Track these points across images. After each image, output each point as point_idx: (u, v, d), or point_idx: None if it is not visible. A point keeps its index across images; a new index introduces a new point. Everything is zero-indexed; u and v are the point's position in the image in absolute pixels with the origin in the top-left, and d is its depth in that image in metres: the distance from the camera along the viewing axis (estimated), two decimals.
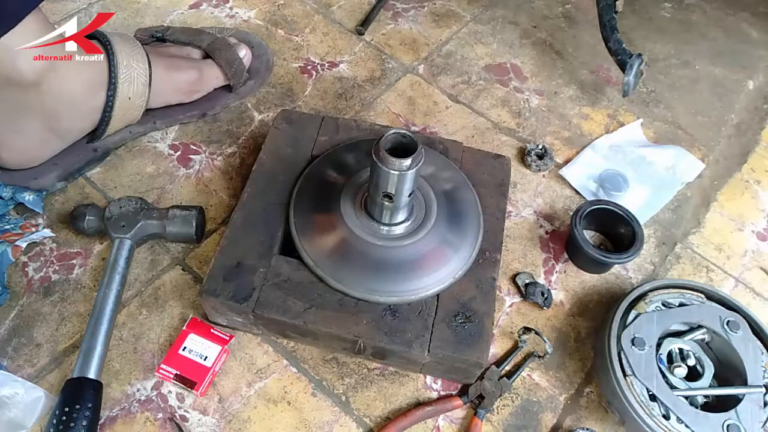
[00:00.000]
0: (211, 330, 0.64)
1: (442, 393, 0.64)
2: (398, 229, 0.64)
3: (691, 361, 0.61)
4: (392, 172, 0.55)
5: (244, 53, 0.85)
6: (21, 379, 0.60)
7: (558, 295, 0.72)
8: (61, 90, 0.68)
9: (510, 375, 0.65)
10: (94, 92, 0.71)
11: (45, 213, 0.73)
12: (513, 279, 0.72)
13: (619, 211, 0.73)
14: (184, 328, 0.64)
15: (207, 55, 0.84)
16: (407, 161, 0.55)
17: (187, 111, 0.83)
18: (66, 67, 0.67)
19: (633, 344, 0.60)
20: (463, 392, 0.64)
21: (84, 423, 0.56)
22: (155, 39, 0.84)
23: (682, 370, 0.60)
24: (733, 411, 0.57)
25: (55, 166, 0.74)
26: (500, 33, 1.02)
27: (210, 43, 0.84)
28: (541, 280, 0.73)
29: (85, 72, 0.70)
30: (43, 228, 0.71)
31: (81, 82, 0.70)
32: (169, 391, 0.62)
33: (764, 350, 0.62)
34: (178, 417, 0.61)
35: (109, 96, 0.72)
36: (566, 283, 0.73)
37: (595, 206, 0.73)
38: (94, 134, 0.75)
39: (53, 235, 0.71)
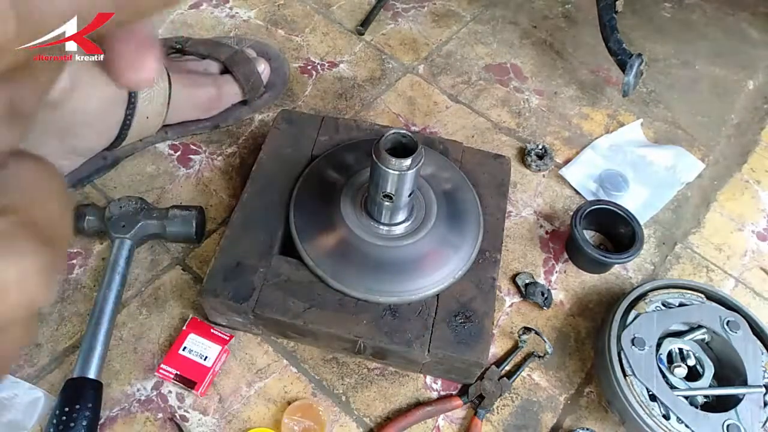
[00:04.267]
0: (211, 330, 0.64)
1: (442, 393, 0.64)
2: (398, 229, 0.64)
3: (691, 361, 0.61)
4: (392, 172, 0.55)
5: (263, 68, 0.84)
6: (19, 380, 0.60)
7: (558, 295, 0.72)
8: (82, 109, 0.67)
9: (510, 375, 0.65)
10: (113, 110, 0.70)
11: None
12: (513, 279, 0.72)
13: (619, 211, 0.73)
14: (184, 328, 0.64)
15: (225, 68, 0.83)
16: (407, 161, 0.55)
17: (200, 122, 0.82)
18: (87, 86, 0.66)
19: (633, 344, 0.60)
20: (463, 392, 0.64)
21: (84, 423, 0.56)
22: (174, 50, 0.84)
23: (682, 370, 0.60)
24: (733, 411, 0.57)
25: (66, 175, 0.74)
26: (500, 33, 1.02)
27: (229, 56, 0.82)
28: (541, 280, 0.73)
29: (106, 90, 0.68)
30: None
31: (101, 102, 0.68)
32: (169, 391, 0.62)
33: (764, 350, 0.62)
34: (178, 417, 0.61)
35: (127, 115, 0.71)
36: (566, 283, 0.73)
37: (595, 206, 0.73)
38: (107, 147, 0.75)
39: None
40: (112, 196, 0.76)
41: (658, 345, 0.61)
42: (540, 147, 0.84)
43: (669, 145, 0.87)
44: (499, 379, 0.64)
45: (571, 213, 0.73)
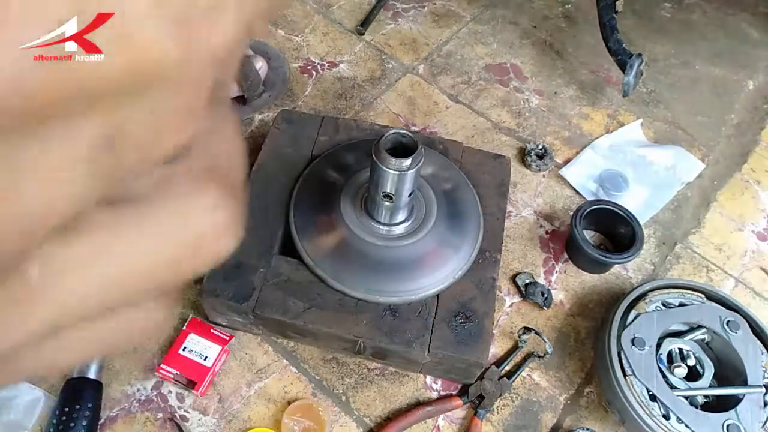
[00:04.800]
0: (211, 330, 0.64)
1: (442, 393, 0.64)
2: (398, 229, 0.64)
3: (691, 361, 0.61)
4: (392, 172, 0.55)
5: (260, 65, 0.84)
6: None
7: (558, 295, 0.72)
8: None
9: (510, 375, 0.65)
10: None
11: None
12: (513, 279, 0.72)
13: (619, 211, 0.73)
14: (184, 328, 0.64)
15: None
16: (407, 161, 0.55)
17: None
18: None
19: (633, 344, 0.60)
20: (463, 392, 0.64)
21: (84, 423, 0.56)
22: None
23: (682, 370, 0.60)
24: (733, 411, 0.57)
25: None
26: (500, 33, 1.02)
27: None
28: (541, 280, 0.73)
29: None
30: None
31: None
32: (169, 391, 0.62)
33: (764, 350, 0.62)
34: (178, 417, 0.61)
35: None
36: (566, 283, 0.73)
37: (595, 206, 0.73)
38: None
39: None
40: None
41: (658, 345, 0.61)
42: (540, 147, 0.84)
43: (669, 145, 0.87)
44: (499, 379, 0.64)
45: (571, 213, 0.73)
